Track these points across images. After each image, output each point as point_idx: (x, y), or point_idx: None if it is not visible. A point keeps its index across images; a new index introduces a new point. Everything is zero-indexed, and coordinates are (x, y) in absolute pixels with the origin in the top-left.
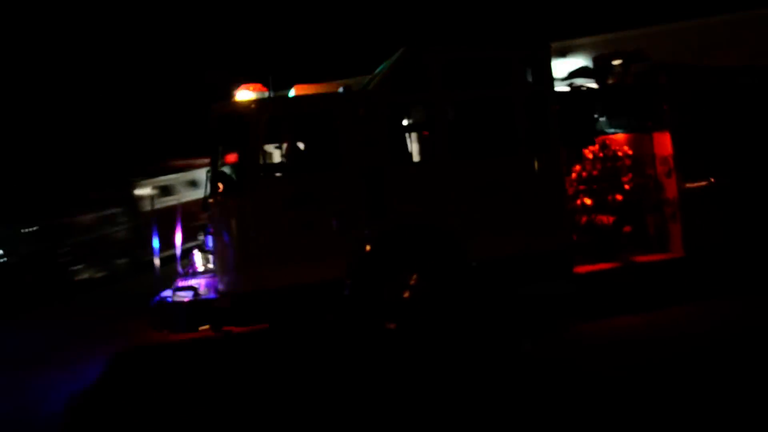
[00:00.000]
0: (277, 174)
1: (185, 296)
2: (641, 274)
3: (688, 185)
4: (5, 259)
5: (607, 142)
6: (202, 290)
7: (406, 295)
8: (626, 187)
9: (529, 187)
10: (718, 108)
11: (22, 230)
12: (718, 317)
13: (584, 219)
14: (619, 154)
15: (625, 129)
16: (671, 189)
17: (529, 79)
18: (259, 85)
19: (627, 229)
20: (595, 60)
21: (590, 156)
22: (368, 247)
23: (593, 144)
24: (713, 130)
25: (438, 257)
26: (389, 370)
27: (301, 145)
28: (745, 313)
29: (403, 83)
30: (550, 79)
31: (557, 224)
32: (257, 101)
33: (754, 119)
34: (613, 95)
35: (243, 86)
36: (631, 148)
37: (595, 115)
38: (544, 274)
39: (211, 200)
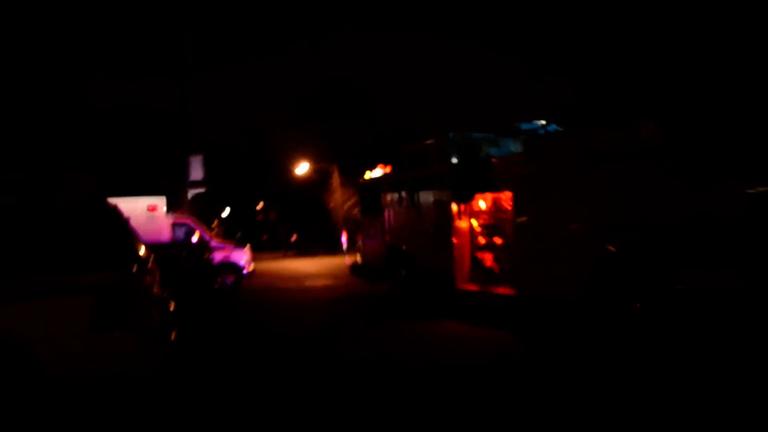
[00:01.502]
0: (365, 212)
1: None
2: (487, 301)
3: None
4: None
5: (498, 199)
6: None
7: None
8: (507, 233)
9: (436, 229)
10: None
11: None
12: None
13: (477, 254)
14: (502, 207)
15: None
16: None
17: (441, 160)
18: (383, 166)
19: (487, 264)
20: None
21: (487, 209)
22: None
23: (469, 201)
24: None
25: (407, 260)
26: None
27: (371, 201)
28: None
29: (397, 166)
30: (447, 159)
31: (447, 254)
32: (362, 180)
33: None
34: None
35: (378, 166)
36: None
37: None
38: (441, 283)
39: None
